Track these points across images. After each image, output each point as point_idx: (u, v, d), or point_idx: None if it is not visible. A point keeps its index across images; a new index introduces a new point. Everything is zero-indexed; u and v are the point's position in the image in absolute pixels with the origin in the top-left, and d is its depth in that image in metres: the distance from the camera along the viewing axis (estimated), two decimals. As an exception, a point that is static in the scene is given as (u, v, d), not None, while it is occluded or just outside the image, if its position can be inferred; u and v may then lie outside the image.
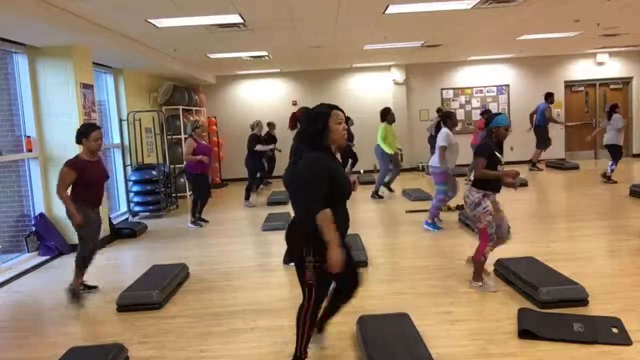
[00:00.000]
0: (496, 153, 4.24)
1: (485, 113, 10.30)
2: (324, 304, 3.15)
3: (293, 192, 3.08)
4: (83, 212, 4.56)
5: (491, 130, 4.31)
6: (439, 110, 12.12)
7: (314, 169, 2.82)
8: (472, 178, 4.40)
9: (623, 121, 9.32)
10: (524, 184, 9.48)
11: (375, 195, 9.17)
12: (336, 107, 2.96)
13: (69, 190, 4.55)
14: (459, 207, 7.46)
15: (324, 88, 13.14)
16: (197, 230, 7.57)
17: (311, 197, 2.79)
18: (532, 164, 11.70)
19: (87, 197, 4.63)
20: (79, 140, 4.67)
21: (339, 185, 2.86)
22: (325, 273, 2.84)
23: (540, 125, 11.47)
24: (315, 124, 2.89)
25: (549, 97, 11.51)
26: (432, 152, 6.78)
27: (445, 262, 5.21)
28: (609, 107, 9.67)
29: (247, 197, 9.36)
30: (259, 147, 9.26)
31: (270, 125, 11.46)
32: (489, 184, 4.23)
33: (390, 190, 9.48)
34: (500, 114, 4.41)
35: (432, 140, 11.70)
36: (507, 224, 4.44)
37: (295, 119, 4.43)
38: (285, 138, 11.29)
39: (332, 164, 2.88)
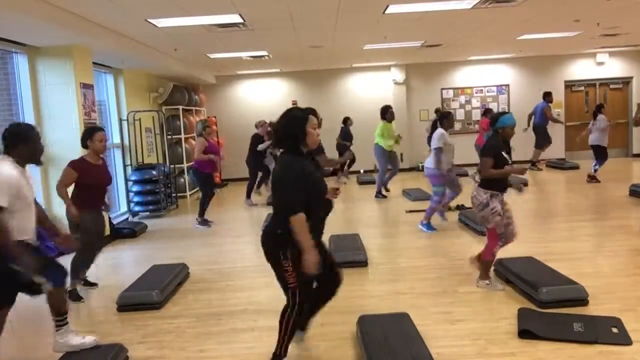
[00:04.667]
0: (503, 153, 4.19)
1: (487, 112, 10.32)
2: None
3: (273, 197, 3.05)
4: (80, 217, 4.51)
5: (497, 131, 4.27)
6: (437, 111, 12.13)
7: (289, 172, 2.85)
8: (477, 179, 4.37)
9: (606, 122, 9.36)
10: (524, 184, 9.48)
11: (379, 195, 9.14)
12: (312, 112, 3.00)
13: (69, 191, 4.54)
14: (459, 207, 7.46)
15: (324, 88, 13.13)
16: (198, 230, 7.56)
17: (285, 201, 2.83)
18: (532, 163, 11.69)
19: (86, 199, 4.58)
20: (84, 144, 4.70)
21: (314, 188, 2.90)
22: (304, 275, 2.87)
23: (539, 125, 11.47)
24: (294, 128, 2.92)
25: (547, 96, 11.52)
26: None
27: (445, 262, 5.21)
28: (595, 107, 9.80)
29: (248, 196, 9.36)
30: (260, 147, 9.26)
31: (273, 125, 11.41)
32: (496, 184, 4.20)
33: (387, 190, 9.44)
34: (505, 113, 4.36)
35: (430, 141, 11.69)
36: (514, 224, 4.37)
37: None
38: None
39: (308, 168, 2.91)
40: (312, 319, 3.36)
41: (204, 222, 7.67)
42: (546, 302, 3.79)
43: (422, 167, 12.75)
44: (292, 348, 3.44)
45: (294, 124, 2.92)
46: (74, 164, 4.62)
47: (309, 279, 2.97)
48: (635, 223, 6.35)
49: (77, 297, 4.67)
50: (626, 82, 13.54)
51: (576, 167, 11.52)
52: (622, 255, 5.15)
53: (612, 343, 3.21)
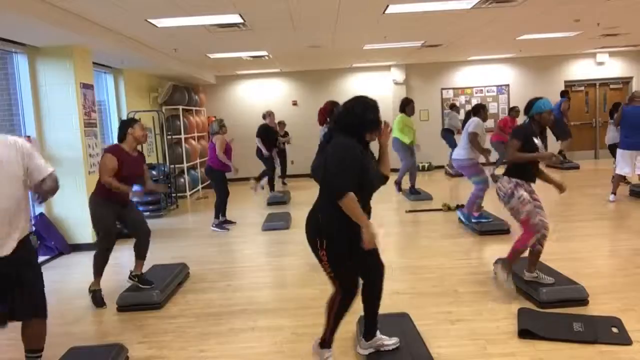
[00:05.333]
0: (534, 139, 3.95)
1: (513, 110, 10.36)
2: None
3: (322, 179, 2.90)
4: (100, 208, 4.40)
5: (533, 118, 4.00)
6: (452, 106, 12.14)
7: (347, 151, 2.74)
8: (495, 172, 4.18)
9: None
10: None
11: (413, 190, 8.79)
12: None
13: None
14: (459, 207, 7.45)
15: (324, 88, 13.13)
16: (198, 230, 7.56)
17: (338, 180, 2.70)
18: (563, 155, 11.63)
19: (111, 192, 4.35)
20: (123, 134, 4.45)
21: (368, 178, 2.81)
22: (340, 266, 2.82)
23: (558, 118, 11.50)
24: (371, 114, 2.83)
25: (565, 94, 11.64)
26: (451, 147, 6.52)
27: (445, 262, 5.21)
28: (612, 105, 9.51)
29: (271, 189, 9.36)
30: (257, 142, 9.17)
31: (281, 124, 11.55)
32: (522, 172, 3.95)
33: (400, 189, 9.08)
34: (539, 98, 4.05)
35: (446, 134, 11.65)
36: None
37: (324, 114, 4.29)
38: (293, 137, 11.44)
39: (367, 155, 2.86)
40: (375, 324, 3.17)
41: (221, 225, 7.40)
42: (546, 302, 3.79)
43: (424, 167, 12.90)
44: (290, 347, 3.45)
45: (372, 110, 2.85)
46: (112, 150, 4.38)
47: (347, 269, 2.88)
48: (635, 223, 6.36)
49: (99, 301, 4.49)
50: (626, 82, 13.54)
51: (576, 167, 11.52)
52: (622, 255, 5.15)
53: (612, 343, 3.21)
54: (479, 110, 6.54)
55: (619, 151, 7.51)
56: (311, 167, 3.10)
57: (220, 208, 7.46)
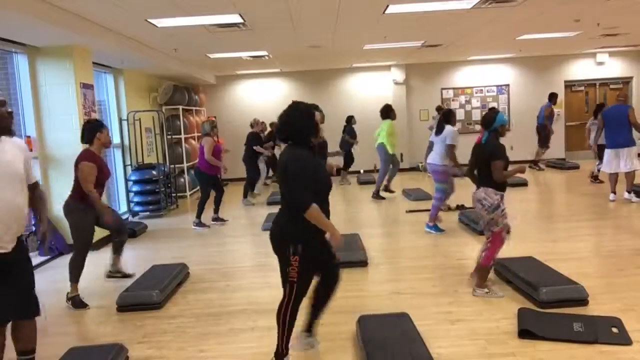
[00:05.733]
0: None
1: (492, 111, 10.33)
2: (308, 308, 3.25)
3: (283, 193, 3.02)
4: (80, 215, 4.48)
5: (497, 130, 4.16)
6: (439, 109, 12.14)
7: (301, 164, 2.88)
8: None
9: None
10: (523, 184, 9.48)
11: (376, 195, 9.08)
12: (315, 107, 3.13)
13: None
14: (459, 207, 7.45)
15: (324, 88, 13.14)
16: (198, 230, 7.56)
17: (299, 196, 2.84)
18: (534, 162, 11.69)
19: (87, 196, 4.42)
20: (91, 138, 4.50)
21: (322, 181, 2.97)
22: (308, 270, 2.97)
23: (540, 125, 11.47)
24: (304, 121, 2.97)
25: (552, 97, 11.52)
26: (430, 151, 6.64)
27: (445, 262, 5.21)
28: (596, 106, 9.74)
29: (245, 196, 9.38)
30: (257, 148, 9.31)
31: (274, 125, 11.50)
32: (502, 185, 4.12)
33: (391, 191, 9.38)
34: (498, 112, 4.30)
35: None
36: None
37: None
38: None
39: (316, 161, 3.00)
40: (317, 320, 3.37)
41: (200, 224, 7.61)
42: (546, 302, 3.79)
43: (422, 167, 12.90)
44: (291, 349, 3.45)
45: (304, 117, 2.98)
46: (90, 158, 4.40)
47: (310, 275, 3.03)
48: (635, 223, 6.36)
49: (81, 304, 4.52)
50: (626, 82, 13.54)
51: (576, 167, 11.52)
52: (622, 255, 5.14)
53: (612, 343, 3.21)
54: (450, 118, 6.48)
55: (606, 150, 7.69)
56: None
57: (202, 208, 7.60)
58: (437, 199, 6.48)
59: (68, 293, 4.59)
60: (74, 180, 4.50)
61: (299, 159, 2.90)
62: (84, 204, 4.45)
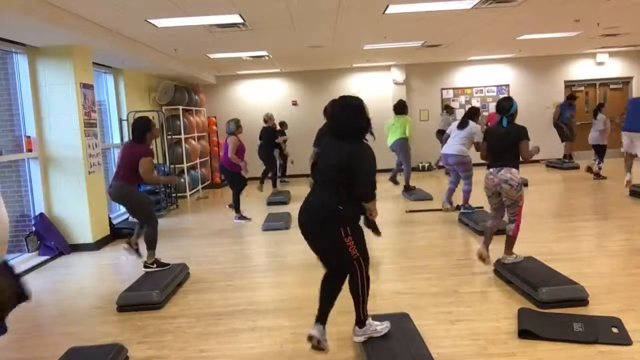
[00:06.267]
0: None
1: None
2: (322, 299, 3.25)
3: (331, 174, 3.13)
4: (141, 195, 5.18)
5: (513, 115, 4.48)
6: (447, 107, 12.21)
7: (373, 160, 3.10)
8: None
9: (604, 122, 9.46)
10: (524, 184, 9.47)
11: (408, 187, 9.21)
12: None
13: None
14: (458, 207, 7.45)
15: (324, 88, 13.13)
16: (198, 230, 7.56)
17: (370, 186, 3.12)
18: (568, 156, 11.93)
19: (139, 180, 5.01)
20: (143, 136, 5.01)
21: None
22: (363, 242, 3.18)
23: (555, 122, 11.63)
24: (362, 118, 3.17)
25: (568, 98, 11.76)
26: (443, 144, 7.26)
27: (445, 262, 5.21)
28: (596, 106, 10.01)
29: (274, 185, 9.95)
30: (278, 139, 9.89)
31: (283, 124, 11.87)
32: (519, 166, 4.46)
33: (396, 183, 9.51)
34: (510, 98, 4.61)
35: (440, 135, 11.71)
36: None
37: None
38: (293, 138, 11.45)
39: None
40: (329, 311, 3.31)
41: (243, 217, 7.88)
42: (546, 302, 3.79)
43: (423, 167, 12.90)
44: (291, 347, 3.45)
45: (361, 114, 3.18)
46: (148, 152, 4.99)
47: (365, 244, 3.21)
48: (635, 223, 6.35)
49: (163, 264, 5.14)
50: (626, 82, 13.54)
51: (576, 167, 11.52)
52: (622, 255, 5.15)
53: (612, 343, 3.20)
54: (474, 115, 7.06)
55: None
56: (317, 157, 3.39)
57: (237, 202, 7.91)
58: (468, 183, 7.01)
59: (146, 261, 5.12)
60: (123, 168, 4.97)
61: (372, 155, 3.09)
62: (136, 186, 5.09)
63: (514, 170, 4.39)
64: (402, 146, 8.86)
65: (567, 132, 11.60)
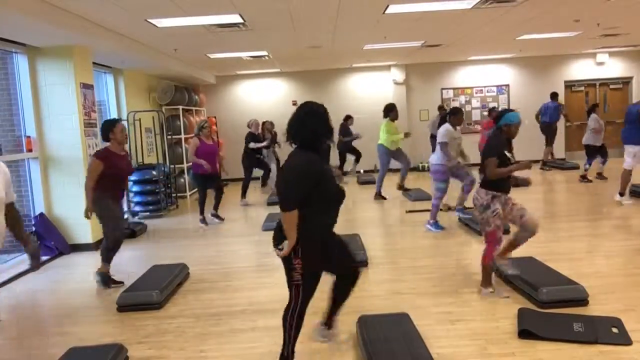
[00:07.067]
0: (505, 152, 4.01)
1: (492, 111, 10.32)
2: (329, 301, 3.20)
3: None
4: (105, 204, 4.79)
5: (501, 128, 4.07)
6: (440, 108, 12.15)
7: (294, 169, 2.83)
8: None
9: (596, 122, 9.31)
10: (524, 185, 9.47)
11: (379, 196, 9.01)
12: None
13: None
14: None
15: (324, 88, 13.13)
16: (198, 230, 7.56)
17: (282, 194, 2.84)
18: (543, 163, 11.78)
19: (110, 188, 4.81)
20: (106, 136, 4.91)
21: (329, 190, 2.88)
22: (312, 272, 2.91)
23: (552, 123, 11.51)
24: (319, 124, 2.87)
25: (554, 97, 11.62)
26: (433, 151, 6.79)
27: (445, 262, 5.21)
28: (590, 107, 9.80)
29: (243, 196, 9.39)
30: (252, 145, 9.31)
31: (267, 123, 11.34)
32: (499, 185, 4.01)
33: (406, 189, 9.19)
34: (510, 110, 4.16)
35: (432, 139, 11.67)
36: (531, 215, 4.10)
37: None
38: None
39: (321, 168, 2.88)
40: (336, 317, 3.33)
41: (203, 220, 7.76)
42: (546, 302, 3.79)
43: (423, 167, 12.89)
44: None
45: (320, 119, 2.88)
46: (98, 154, 4.83)
47: (315, 275, 2.97)
48: (635, 223, 6.35)
49: (107, 282, 4.96)
50: (626, 82, 13.54)
51: (576, 167, 11.50)
52: (622, 255, 5.14)
53: (612, 343, 3.20)
54: (450, 117, 6.62)
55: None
56: None
57: (202, 204, 7.79)
58: (437, 197, 6.58)
59: (98, 269, 5.02)
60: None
61: (292, 163, 2.85)
62: (102, 194, 4.79)
63: (481, 189, 4.06)
64: (379, 152, 8.61)
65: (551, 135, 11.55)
